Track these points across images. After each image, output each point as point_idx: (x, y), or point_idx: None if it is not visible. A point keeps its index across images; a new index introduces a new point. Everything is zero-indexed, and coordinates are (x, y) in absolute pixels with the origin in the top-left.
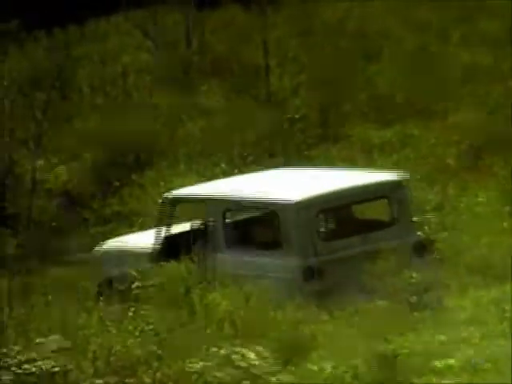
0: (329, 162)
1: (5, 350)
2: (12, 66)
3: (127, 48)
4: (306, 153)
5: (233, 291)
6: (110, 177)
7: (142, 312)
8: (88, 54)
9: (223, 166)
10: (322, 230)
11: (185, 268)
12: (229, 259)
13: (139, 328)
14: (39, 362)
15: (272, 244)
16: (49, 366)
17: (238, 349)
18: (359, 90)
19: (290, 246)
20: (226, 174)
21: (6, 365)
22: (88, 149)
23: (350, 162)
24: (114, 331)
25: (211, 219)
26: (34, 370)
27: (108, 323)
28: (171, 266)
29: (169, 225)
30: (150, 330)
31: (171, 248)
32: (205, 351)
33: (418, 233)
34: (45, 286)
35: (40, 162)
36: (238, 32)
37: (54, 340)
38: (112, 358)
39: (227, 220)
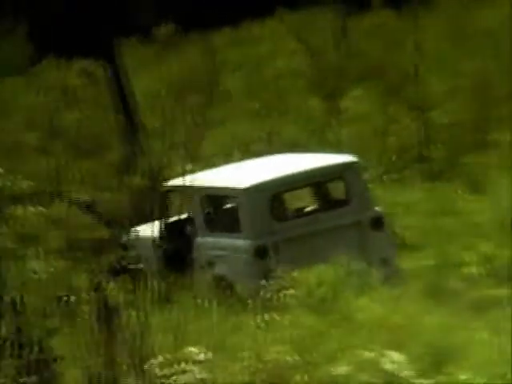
0: (482, 168)
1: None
2: (167, 69)
3: (281, 52)
4: (458, 159)
5: (382, 295)
6: None
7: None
8: (242, 58)
9: (372, 170)
10: (280, 211)
11: (333, 272)
12: (204, 242)
13: (287, 334)
14: (188, 372)
15: (235, 227)
16: (199, 377)
17: (384, 352)
18: None
19: (245, 228)
20: (376, 179)
21: (152, 375)
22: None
23: (505, 169)
24: (263, 338)
25: (193, 206)
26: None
27: (257, 330)
28: (318, 270)
29: (165, 213)
30: (298, 335)
31: (169, 234)
32: (351, 355)
33: (376, 208)
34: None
35: (189, 167)
36: (390, 36)
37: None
38: (261, 366)
39: (207, 207)
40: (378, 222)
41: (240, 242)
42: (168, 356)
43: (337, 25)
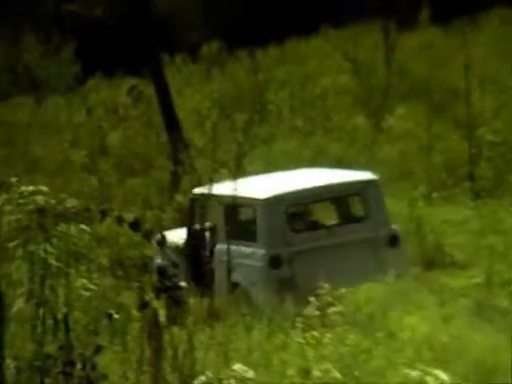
0: None
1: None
2: (214, 87)
3: (326, 70)
4: (506, 177)
5: (430, 313)
6: None
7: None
8: (288, 76)
9: (421, 188)
10: (297, 222)
11: (383, 289)
12: (224, 250)
13: (335, 351)
14: None
15: (253, 236)
16: None
17: (430, 370)
18: None
19: (261, 237)
20: (425, 196)
21: None
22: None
23: None
24: (309, 355)
25: (215, 214)
26: None
27: (304, 347)
28: (366, 287)
29: (191, 220)
30: (347, 352)
31: (194, 242)
32: (397, 373)
33: (392, 226)
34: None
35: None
36: (437, 53)
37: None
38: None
39: (229, 216)
40: (393, 240)
41: (256, 251)
42: (214, 374)
43: (383, 42)
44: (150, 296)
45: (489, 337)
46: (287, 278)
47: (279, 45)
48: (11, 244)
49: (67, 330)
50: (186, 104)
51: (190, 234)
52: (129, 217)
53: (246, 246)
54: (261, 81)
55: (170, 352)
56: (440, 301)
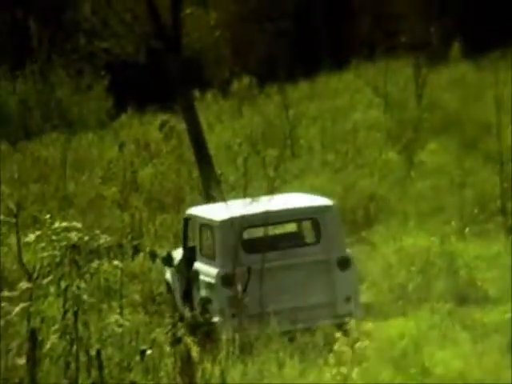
0: None
1: None
2: (245, 122)
3: (358, 105)
4: None
5: (463, 349)
6: None
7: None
8: (318, 111)
9: (453, 223)
10: (251, 244)
11: (414, 324)
12: (197, 267)
13: None
14: None
15: (213, 255)
16: None
17: None
18: None
19: (218, 256)
20: (458, 232)
21: None
22: None
23: None
24: None
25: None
26: None
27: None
28: (397, 322)
29: (185, 240)
30: None
31: (185, 260)
32: None
33: (346, 250)
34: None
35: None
36: (468, 88)
37: None
38: None
39: (204, 235)
40: (344, 262)
41: (213, 269)
42: None
43: (414, 77)
44: (181, 332)
45: None
46: (235, 296)
47: (310, 80)
48: (45, 281)
49: (100, 367)
50: (217, 140)
51: (184, 252)
52: (161, 252)
53: (208, 264)
54: (291, 116)
55: None
56: (473, 336)
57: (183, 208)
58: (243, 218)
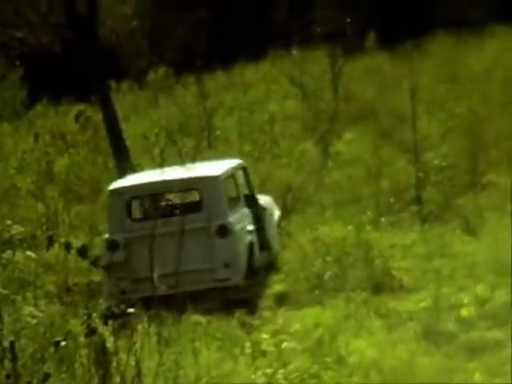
0: (477, 210)
1: None
2: (162, 113)
3: (274, 95)
4: (453, 201)
5: (377, 338)
6: None
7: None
8: (235, 101)
9: (369, 213)
10: (137, 212)
11: (330, 314)
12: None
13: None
14: None
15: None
16: None
17: None
18: (507, 137)
19: (107, 224)
20: (373, 221)
21: None
22: None
23: (499, 210)
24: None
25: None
26: None
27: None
28: (313, 311)
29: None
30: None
31: None
32: None
33: (228, 219)
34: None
35: None
36: (384, 79)
37: None
38: None
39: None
40: (223, 230)
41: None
42: None
43: (330, 67)
44: (96, 322)
45: (436, 361)
46: (121, 262)
47: (226, 70)
48: None
49: (14, 358)
50: (133, 130)
51: None
52: (76, 243)
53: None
54: (208, 106)
55: (117, 379)
56: (388, 325)
57: (97, 198)
58: (131, 187)
